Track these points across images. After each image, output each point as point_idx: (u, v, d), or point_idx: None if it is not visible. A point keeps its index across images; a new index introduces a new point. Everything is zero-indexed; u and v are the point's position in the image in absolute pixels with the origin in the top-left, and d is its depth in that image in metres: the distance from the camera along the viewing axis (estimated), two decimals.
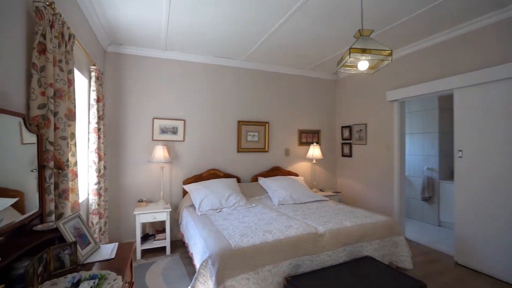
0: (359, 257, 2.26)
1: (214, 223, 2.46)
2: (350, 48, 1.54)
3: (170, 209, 3.13)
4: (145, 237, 3.17)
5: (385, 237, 2.42)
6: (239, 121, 4.03)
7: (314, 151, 4.18)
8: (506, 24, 2.54)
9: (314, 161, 4.27)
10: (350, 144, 4.45)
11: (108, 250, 1.57)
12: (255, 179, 4.05)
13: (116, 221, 3.34)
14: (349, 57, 1.55)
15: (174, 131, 3.63)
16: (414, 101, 4.61)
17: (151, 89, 3.54)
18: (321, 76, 4.67)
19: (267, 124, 4.21)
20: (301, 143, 4.49)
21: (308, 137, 4.56)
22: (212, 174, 3.77)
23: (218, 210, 2.94)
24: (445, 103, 4.34)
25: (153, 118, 3.51)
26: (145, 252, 3.12)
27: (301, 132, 4.49)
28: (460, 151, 2.90)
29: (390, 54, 1.61)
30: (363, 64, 1.71)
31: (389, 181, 3.75)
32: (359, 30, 1.68)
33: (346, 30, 2.91)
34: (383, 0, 2.31)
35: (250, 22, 2.75)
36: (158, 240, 3.14)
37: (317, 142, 4.61)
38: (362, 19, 2.06)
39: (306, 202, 3.34)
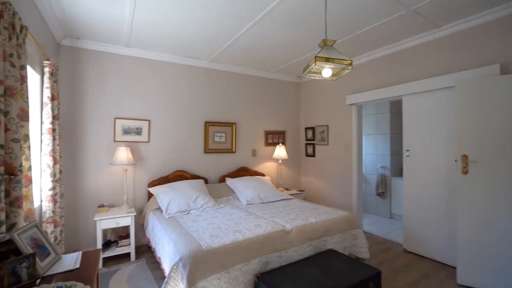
0: (323, 250, 2.42)
1: (183, 225, 2.43)
2: (315, 56, 1.66)
3: (135, 213, 3.01)
4: (107, 244, 3.00)
5: (346, 231, 2.63)
6: (206, 122, 4.01)
7: (280, 151, 4.33)
8: (445, 41, 2.91)
9: (280, 161, 4.42)
10: (313, 144, 4.69)
11: (71, 260, 1.48)
12: (222, 179, 4.07)
13: (74, 229, 3.10)
14: (315, 65, 1.67)
15: (138, 131, 3.49)
16: (370, 105, 5.02)
17: (113, 87, 3.35)
18: (286, 79, 4.84)
19: (234, 125, 4.25)
20: (267, 144, 4.61)
21: (274, 138, 4.70)
22: (179, 176, 3.70)
23: (186, 212, 2.90)
24: (396, 107, 4.80)
25: (115, 118, 3.33)
26: (107, 260, 2.96)
27: (267, 133, 4.61)
28: (407, 150, 3.25)
29: (350, 64, 1.77)
30: (326, 72, 1.85)
31: (348, 179, 4.04)
32: (324, 40, 1.82)
33: (310, 38, 3.08)
34: (344, 13, 2.50)
35: (216, 25, 2.77)
36: (121, 246, 3.00)
37: (283, 143, 4.77)
38: (326, 29, 2.21)
39: (273, 201, 3.45)
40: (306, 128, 4.84)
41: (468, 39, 2.73)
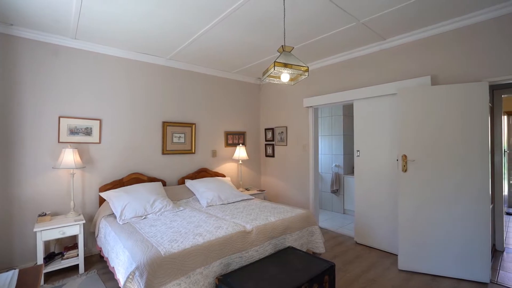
0: (282, 248, 2.51)
1: (139, 231, 2.31)
2: (274, 62, 1.72)
3: (84, 221, 2.76)
4: (50, 257, 2.71)
5: (303, 228, 2.76)
6: (164, 122, 3.86)
7: (240, 152, 4.36)
8: (389, 52, 3.23)
9: (240, 162, 4.46)
10: (273, 145, 4.82)
11: (4, 281, 1.31)
12: (182, 181, 3.96)
13: (7, 243, 2.74)
14: (274, 69, 1.73)
15: (88, 132, 3.22)
16: (325, 108, 5.33)
17: (57, 82, 3.03)
18: (247, 80, 4.89)
19: (193, 126, 4.16)
20: (227, 144, 4.61)
21: (235, 138, 4.71)
22: (135, 179, 3.50)
23: (143, 217, 2.76)
24: (348, 111, 5.17)
25: (60, 117, 3.02)
26: (50, 276, 2.67)
27: (228, 134, 4.61)
28: (358, 151, 3.53)
29: (307, 70, 1.87)
30: (285, 77, 1.93)
31: (306, 178, 4.24)
32: (282, 46, 1.89)
33: (269, 42, 3.17)
34: (301, 21, 2.62)
35: (176, 22, 2.69)
36: (68, 258, 2.73)
37: (243, 144, 4.82)
38: (285, 35, 2.30)
39: (233, 202, 3.46)
40: (266, 129, 4.95)
41: (407, 52, 3.07)
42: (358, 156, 3.53)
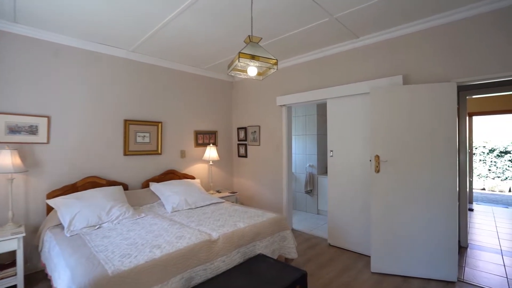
0: (252, 256, 2.34)
1: (88, 245, 2.02)
2: (239, 52, 1.53)
3: (24, 234, 2.39)
4: None
5: (275, 233, 2.61)
6: (126, 120, 3.52)
7: (211, 152, 4.13)
8: (362, 51, 3.18)
9: (210, 163, 4.22)
10: (245, 145, 4.64)
11: None
12: (146, 185, 3.65)
13: None
14: (238, 61, 1.54)
15: (33, 130, 2.82)
16: (299, 107, 5.25)
17: None
18: (218, 77, 4.66)
19: (160, 124, 3.86)
20: (197, 144, 4.35)
21: (205, 138, 4.47)
22: (91, 183, 3.15)
23: (97, 227, 2.46)
24: (322, 110, 5.13)
25: None
26: None
27: (198, 133, 4.36)
28: (331, 151, 3.46)
29: (276, 64, 1.71)
30: (252, 70, 1.76)
31: (279, 178, 4.11)
32: (249, 36, 1.71)
33: (237, 36, 2.98)
34: (271, 14, 2.46)
35: (138, 10, 2.41)
36: (3, 278, 2.35)
37: (214, 143, 4.59)
38: (252, 26, 2.12)
39: (202, 206, 3.24)
40: (239, 128, 4.76)
41: (380, 51, 3.03)
42: (332, 156, 3.45)
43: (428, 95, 2.54)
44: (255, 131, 4.47)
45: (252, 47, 1.65)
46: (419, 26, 2.72)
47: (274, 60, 1.67)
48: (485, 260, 3.05)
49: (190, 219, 2.68)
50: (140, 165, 3.67)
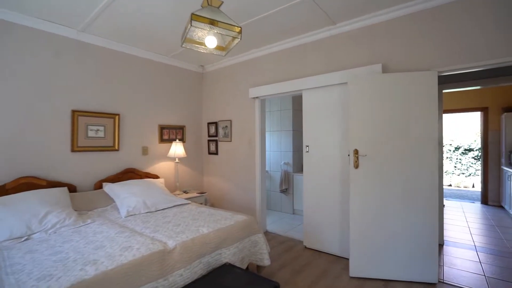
0: (217, 266, 2.01)
1: (2, 264, 1.57)
2: (192, 14, 1.20)
3: None
4: None
5: (245, 238, 2.29)
6: (74, 111, 3.03)
7: (177, 148, 3.73)
8: (340, 39, 2.96)
9: (176, 160, 3.82)
10: (216, 141, 4.29)
11: None
12: (99, 185, 3.17)
13: None
14: (191, 25, 1.21)
15: None
16: (274, 101, 4.99)
17: None
18: (186, 67, 4.26)
19: (117, 117, 3.39)
20: (162, 140, 3.93)
21: (171, 133, 4.05)
22: (26, 184, 2.63)
23: (24, 239, 1.99)
24: (297, 104, 4.90)
25: None
26: None
27: (163, 128, 3.93)
28: (307, 146, 3.21)
29: (240, 32, 1.39)
30: (211, 41, 1.43)
31: (252, 177, 3.81)
32: None
33: None
34: None
35: None
36: None
37: (182, 139, 4.18)
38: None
39: (163, 209, 2.84)
40: (209, 123, 4.39)
41: (358, 39, 2.83)
42: (307, 152, 3.21)
43: (409, 85, 2.37)
44: (226, 126, 4.13)
45: (210, 11, 1.32)
46: (399, 11, 2.55)
47: (238, 28, 1.36)
48: (461, 257, 2.97)
49: (146, 224, 2.29)
50: (92, 163, 3.19)
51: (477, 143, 9.08)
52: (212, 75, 4.40)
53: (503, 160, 5.22)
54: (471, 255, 3.04)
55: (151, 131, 3.80)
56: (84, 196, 2.88)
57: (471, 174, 9.04)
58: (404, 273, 2.38)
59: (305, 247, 3.21)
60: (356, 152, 2.47)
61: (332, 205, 2.98)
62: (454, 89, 3.48)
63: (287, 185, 4.77)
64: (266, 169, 4.78)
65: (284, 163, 4.87)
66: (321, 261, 2.85)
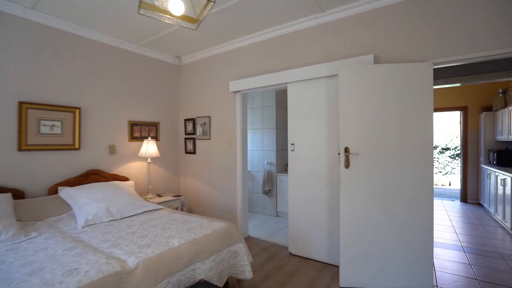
0: (190, 285, 1.70)
1: None
2: None
3: None
4: None
5: (223, 249, 1.99)
6: (22, 103, 2.58)
7: (149, 147, 3.35)
8: (328, 28, 2.74)
9: (149, 160, 3.43)
10: (194, 139, 3.94)
11: None
12: (55, 190, 2.74)
13: None
14: None
15: None
16: (256, 97, 4.71)
17: None
18: (161, 58, 3.88)
19: (77, 111, 2.96)
20: (133, 138, 3.52)
21: (144, 130, 3.66)
22: None
23: None
24: (281, 101, 4.66)
25: None
26: None
27: (133, 124, 3.53)
28: (292, 144, 2.96)
29: None
30: (176, 6, 1.12)
31: (233, 178, 3.51)
32: None
33: None
34: None
35: None
36: None
37: (155, 137, 3.80)
38: None
39: (131, 216, 2.47)
40: (186, 120, 4.04)
41: (348, 27, 2.62)
42: (293, 150, 2.96)
43: (404, 77, 2.18)
44: (205, 123, 3.80)
45: None
46: None
47: None
48: (451, 259, 2.85)
49: (105, 236, 1.92)
50: (46, 164, 2.75)
51: (453, 143, 9.34)
52: (189, 68, 4.04)
53: (481, 159, 5.28)
54: (460, 256, 2.93)
55: (119, 127, 3.39)
56: (34, 204, 2.45)
57: (448, 173, 9.28)
58: (399, 281, 2.19)
59: (291, 253, 2.96)
60: (347, 150, 2.25)
61: (319, 207, 2.75)
62: (434, 86, 3.38)
63: (270, 186, 4.51)
64: (248, 169, 4.50)
65: (267, 163, 4.61)
66: (308, 269, 2.61)
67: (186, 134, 4.05)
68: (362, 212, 2.23)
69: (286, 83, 2.97)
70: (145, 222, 2.27)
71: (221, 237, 2.01)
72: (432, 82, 2.14)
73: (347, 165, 2.24)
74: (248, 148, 4.45)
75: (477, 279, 2.45)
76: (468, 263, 2.78)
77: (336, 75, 2.58)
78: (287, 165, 4.76)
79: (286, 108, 4.89)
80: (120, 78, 3.39)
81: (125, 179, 3.31)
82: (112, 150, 3.30)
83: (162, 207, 2.80)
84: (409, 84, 2.17)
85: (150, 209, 2.65)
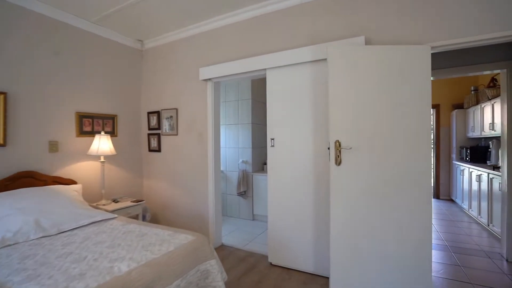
0: None
1: None
2: None
3: None
4: None
5: (191, 270, 1.56)
6: None
7: (101, 144, 2.79)
8: (310, 7, 2.41)
9: (102, 159, 2.87)
10: (158, 135, 3.43)
11: None
12: None
13: None
14: None
15: None
16: (230, 89, 4.29)
17: None
18: (120, 41, 3.32)
19: (2, 96, 2.34)
20: (82, 133, 2.94)
21: (97, 124, 3.08)
22: None
23: None
24: (257, 94, 4.29)
25: None
26: None
27: (82, 117, 2.94)
28: (272, 139, 2.60)
29: None
30: None
31: (203, 178, 3.07)
32: None
33: None
34: None
35: None
36: None
37: (112, 132, 3.23)
38: None
39: (72, 229, 1.94)
40: (149, 113, 3.51)
41: (336, 5, 2.32)
42: (273, 146, 2.60)
43: (399, 61, 1.91)
44: (171, 117, 3.31)
45: None
46: None
47: None
48: (441, 261, 2.68)
49: (23, 263, 1.40)
50: None
51: None
52: (154, 53, 3.52)
53: (453, 156, 5.35)
54: (448, 256, 2.79)
55: (65, 120, 2.79)
56: None
57: None
58: None
59: (271, 263, 2.60)
60: (338, 144, 1.93)
61: (304, 210, 2.42)
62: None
63: (245, 187, 4.12)
64: (222, 168, 4.08)
65: (242, 162, 4.21)
66: (292, 282, 2.26)
67: (149, 129, 3.52)
68: (355, 215, 1.93)
69: (265, 69, 2.60)
70: (89, 237, 1.77)
71: (187, 254, 1.58)
72: (430, 67, 1.89)
73: (338, 162, 1.93)
74: (221, 146, 4.03)
75: (470, 282, 2.28)
76: (458, 264, 2.62)
77: (323, 59, 2.27)
78: (264, 164, 4.41)
79: (263, 102, 4.54)
80: (68, 61, 2.79)
81: (71, 182, 2.72)
82: (53, 147, 2.69)
83: (116, 216, 2.28)
84: (405, 69, 1.90)
85: (100, 219, 2.13)
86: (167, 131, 3.35)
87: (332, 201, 1.96)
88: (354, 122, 1.92)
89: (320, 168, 2.33)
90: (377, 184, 1.89)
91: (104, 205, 2.75)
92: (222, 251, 2.95)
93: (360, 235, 1.94)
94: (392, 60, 1.90)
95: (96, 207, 2.56)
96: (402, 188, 1.89)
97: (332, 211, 1.97)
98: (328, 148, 1.99)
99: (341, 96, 1.94)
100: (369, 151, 1.90)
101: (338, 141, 1.93)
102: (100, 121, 3.11)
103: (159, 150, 3.44)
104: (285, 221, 2.51)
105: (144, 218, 3.20)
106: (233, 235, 3.44)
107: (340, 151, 1.92)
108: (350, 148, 1.90)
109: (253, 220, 4.11)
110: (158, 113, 3.42)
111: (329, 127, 1.96)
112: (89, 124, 3.01)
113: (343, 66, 1.95)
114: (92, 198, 2.94)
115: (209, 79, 2.97)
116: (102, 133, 2.85)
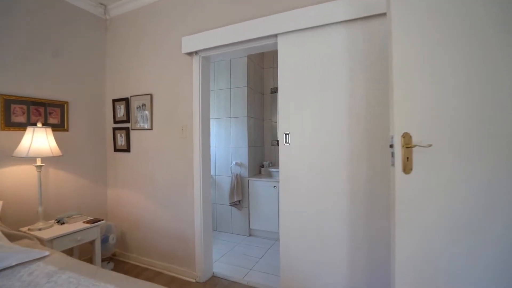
0: None
1: None
2: None
3: None
4: None
5: None
6: None
7: (38, 140, 1.91)
8: None
9: (38, 163, 1.99)
10: (127, 129, 2.59)
11: None
12: None
13: None
14: None
15: None
16: (220, 74, 3.50)
17: None
18: (76, 3, 2.45)
19: None
20: (10, 125, 2.05)
21: (35, 113, 2.20)
22: None
23: None
24: (255, 83, 3.53)
25: None
26: None
27: (11, 102, 2.05)
28: (286, 134, 1.85)
29: None
30: None
31: (188, 186, 2.28)
32: None
33: None
34: None
35: None
36: None
37: (60, 125, 2.35)
38: None
39: None
40: (116, 101, 2.66)
41: None
42: (287, 144, 1.85)
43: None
44: (144, 105, 2.48)
45: None
46: None
47: None
48: None
49: None
50: None
51: None
52: (121, 22, 2.67)
53: None
54: None
55: None
56: None
57: None
58: None
59: None
60: (407, 139, 1.21)
61: (336, 231, 1.68)
62: None
63: (240, 196, 3.34)
64: (211, 173, 3.28)
65: (236, 164, 3.43)
66: None
67: (115, 121, 2.67)
68: (436, 251, 1.21)
69: (276, 34, 1.85)
70: None
71: None
72: None
73: (408, 169, 1.20)
74: (210, 145, 3.23)
75: None
76: None
77: (364, 18, 1.56)
78: (262, 166, 3.65)
79: (261, 93, 3.79)
80: None
81: None
82: None
83: (48, 252, 1.44)
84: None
85: (14, 264, 1.29)
86: (139, 124, 2.51)
87: (397, 225, 1.23)
88: (437, 105, 1.20)
89: (359, 176, 1.60)
90: (473, 205, 1.18)
91: (40, 229, 1.89)
92: (213, 285, 2.18)
93: (439, 271, 1.22)
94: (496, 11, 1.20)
95: (24, 235, 1.69)
96: (504, 207, 1.19)
97: (397, 239, 1.23)
98: (390, 145, 1.26)
99: (414, 65, 1.22)
100: (462, 152, 1.18)
101: (406, 133, 1.20)
102: (42, 109, 2.23)
103: (128, 150, 2.59)
104: (308, 245, 1.77)
105: (105, 241, 2.36)
106: (226, 259, 2.66)
107: (411, 150, 1.20)
108: (431, 145, 1.18)
109: (249, 236, 3.33)
110: (126, 100, 2.58)
111: (393, 113, 1.23)
112: (23, 112, 2.12)
113: (416, 20, 1.22)
114: (25, 219, 2.06)
115: (195, 52, 2.17)
116: (39, 124, 1.97)
